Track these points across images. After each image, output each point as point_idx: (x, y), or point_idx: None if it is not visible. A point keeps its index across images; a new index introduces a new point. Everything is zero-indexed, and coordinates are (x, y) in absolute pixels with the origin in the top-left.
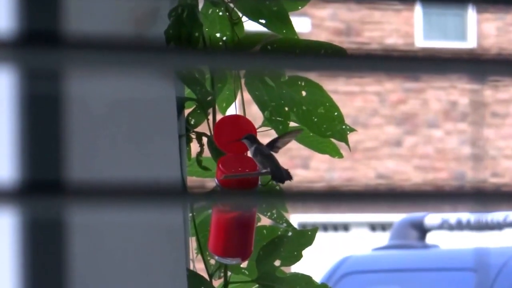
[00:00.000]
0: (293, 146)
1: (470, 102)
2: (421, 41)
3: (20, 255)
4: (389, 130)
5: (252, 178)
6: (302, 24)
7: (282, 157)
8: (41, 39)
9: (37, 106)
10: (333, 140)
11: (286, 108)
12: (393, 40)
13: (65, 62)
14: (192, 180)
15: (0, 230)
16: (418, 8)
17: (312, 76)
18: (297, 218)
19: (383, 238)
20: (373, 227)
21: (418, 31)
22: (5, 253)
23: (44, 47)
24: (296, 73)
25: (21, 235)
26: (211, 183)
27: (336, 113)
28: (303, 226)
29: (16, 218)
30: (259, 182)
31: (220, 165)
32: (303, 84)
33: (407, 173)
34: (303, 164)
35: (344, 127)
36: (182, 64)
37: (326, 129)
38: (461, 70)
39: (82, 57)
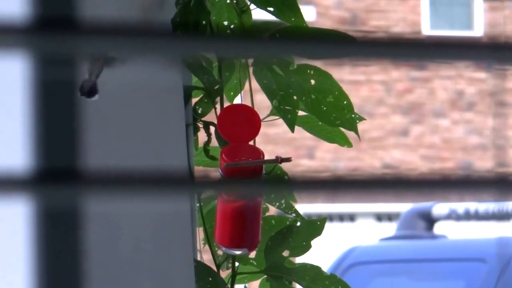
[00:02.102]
0: (298, 136)
1: (477, 91)
2: (428, 30)
3: (35, 244)
4: (395, 120)
5: (256, 167)
6: (307, 13)
7: (287, 147)
8: (55, 25)
9: (51, 92)
10: (341, 129)
11: (295, 97)
12: (399, 29)
13: (79, 48)
14: (196, 170)
15: (15, 219)
16: None
17: (319, 64)
18: (302, 208)
19: (389, 228)
20: (379, 217)
21: (425, 20)
22: (20, 242)
23: (58, 33)
24: (305, 61)
25: (35, 224)
26: (215, 172)
27: (345, 102)
28: (308, 216)
29: (30, 207)
30: (263, 171)
31: (223, 155)
32: (312, 72)
33: (414, 162)
34: (308, 154)
35: (353, 116)
36: (191, 50)
37: (335, 118)
38: (469, 57)
39: (96, 44)
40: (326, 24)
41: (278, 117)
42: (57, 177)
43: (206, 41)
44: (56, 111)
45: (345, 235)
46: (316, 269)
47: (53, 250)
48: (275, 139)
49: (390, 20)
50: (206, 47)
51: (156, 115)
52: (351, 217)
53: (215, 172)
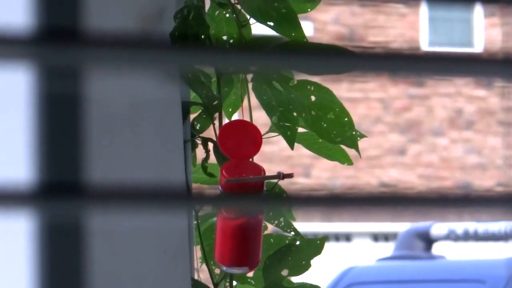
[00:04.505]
0: (294, 154)
1: (477, 110)
2: (426, 47)
3: (38, 259)
4: (393, 138)
5: (257, 183)
6: (304, 29)
7: (283, 165)
8: (59, 36)
9: (55, 105)
10: (341, 146)
11: (295, 113)
12: (398, 46)
13: (84, 60)
14: (193, 187)
15: (18, 233)
16: (423, 13)
17: (319, 81)
18: (298, 228)
19: (386, 248)
20: (376, 237)
21: (423, 36)
22: (22, 257)
23: (62, 44)
24: (305, 77)
25: (38, 239)
26: (210, 190)
27: (346, 119)
28: (304, 236)
29: (33, 221)
30: (264, 188)
31: (223, 171)
32: (312, 88)
33: (411, 182)
34: (305, 173)
35: (354, 133)
36: (190, 62)
37: (336, 135)
38: (468, 72)
39: (100, 55)
40: (324, 40)
41: (277, 133)
42: (60, 191)
43: (206, 53)
44: (60, 124)
45: (341, 255)
46: None
47: (56, 264)
48: (271, 157)
49: (389, 36)
50: (205, 60)
51: (154, 131)
52: (347, 237)
53: (212, 190)
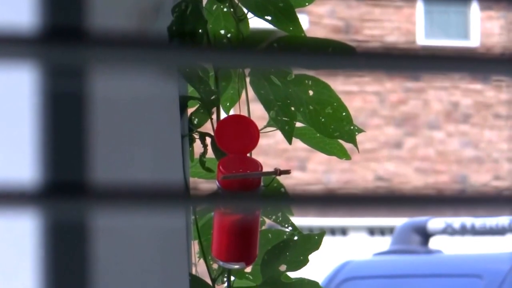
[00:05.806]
0: (290, 148)
1: (473, 103)
2: (423, 40)
3: (43, 259)
4: (389, 131)
5: (254, 179)
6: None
7: (278, 159)
8: (64, 35)
9: (59, 104)
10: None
11: (293, 108)
12: (394, 38)
13: (88, 59)
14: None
15: (23, 233)
16: (419, 5)
17: (315, 74)
18: (294, 222)
19: (382, 243)
20: (372, 231)
21: (419, 29)
22: (27, 257)
23: (67, 44)
24: (303, 71)
25: (43, 238)
26: (207, 184)
27: (344, 113)
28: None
29: (38, 221)
30: (262, 184)
31: (220, 167)
32: (310, 83)
33: (407, 175)
34: (300, 166)
35: (352, 127)
36: (189, 60)
37: (334, 129)
38: (464, 69)
39: (105, 54)
40: (319, 33)
41: (275, 128)
42: (65, 190)
43: (204, 51)
44: (64, 123)
45: (337, 249)
46: (313, 284)
47: (60, 263)
48: (267, 150)
49: (385, 29)
50: (203, 58)
51: (151, 126)
52: (343, 231)
53: (207, 184)
